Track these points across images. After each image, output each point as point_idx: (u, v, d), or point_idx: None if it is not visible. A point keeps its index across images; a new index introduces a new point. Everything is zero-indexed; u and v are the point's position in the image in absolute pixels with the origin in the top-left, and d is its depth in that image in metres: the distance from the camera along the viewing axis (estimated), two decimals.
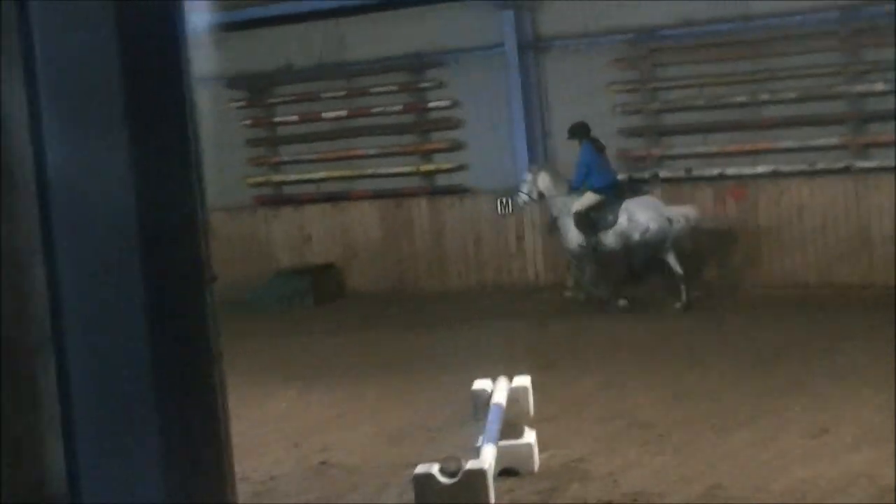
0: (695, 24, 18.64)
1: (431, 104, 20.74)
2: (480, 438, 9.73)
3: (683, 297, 17.28)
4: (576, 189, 18.00)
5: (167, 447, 2.83)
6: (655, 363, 13.74)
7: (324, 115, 21.45)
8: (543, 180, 18.27)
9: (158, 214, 2.95)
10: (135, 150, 2.95)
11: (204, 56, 19.62)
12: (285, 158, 22.11)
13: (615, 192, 17.92)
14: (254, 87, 21.99)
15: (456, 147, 20.48)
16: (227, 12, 19.62)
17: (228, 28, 20.85)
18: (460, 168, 20.46)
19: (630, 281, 18.26)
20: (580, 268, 18.30)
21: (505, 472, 9.97)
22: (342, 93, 21.26)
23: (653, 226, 17.62)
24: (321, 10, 20.50)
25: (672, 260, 17.54)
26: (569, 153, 19.05)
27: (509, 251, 19.78)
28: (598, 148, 18.07)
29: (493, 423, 9.98)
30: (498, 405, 10.37)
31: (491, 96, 20.07)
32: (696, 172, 18.75)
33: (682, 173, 18.86)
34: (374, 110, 21.09)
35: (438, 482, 8.83)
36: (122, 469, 2.81)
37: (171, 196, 3.02)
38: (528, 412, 10.71)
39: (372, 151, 21.11)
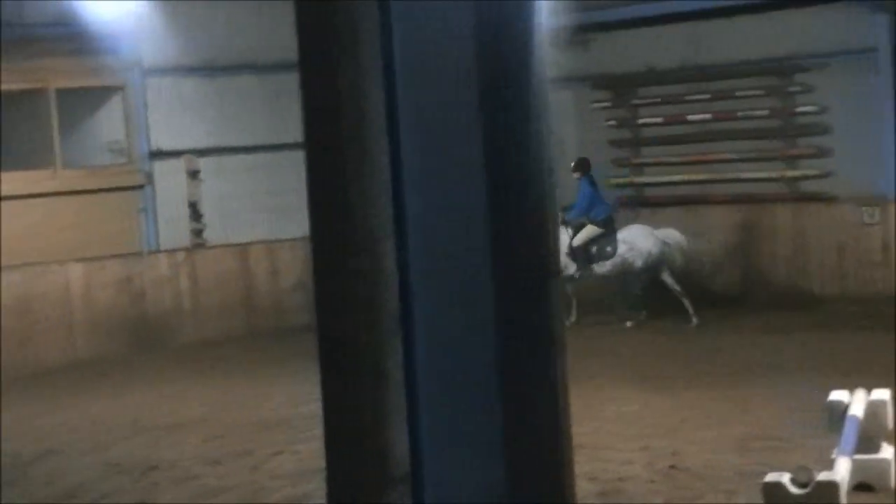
0: None
1: (798, 109, 20.33)
2: (835, 451, 9.50)
3: (691, 310, 18.54)
4: (573, 218, 19.31)
5: (508, 434, 2.88)
6: None
7: (688, 117, 21.31)
8: None
9: (508, 207, 3.00)
10: (487, 145, 3.00)
11: (569, 57, 19.74)
12: (647, 160, 22.07)
13: (611, 225, 19.32)
14: (618, 89, 22.03)
15: (821, 154, 20.02)
16: (591, 12, 19.72)
17: (593, 29, 20.95)
18: (825, 175, 19.99)
19: (630, 302, 19.37)
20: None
21: (860, 487, 9.69)
22: (706, 95, 21.07)
23: (654, 251, 19.10)
24: (684, 13, 20.36)
25: (669, 279, 18.96)
26: None
27: (873, 260, 19.21)
28: (594, 183, 19.50)
29: (849, 435, 9.74)
30: (855, 417, 10.11)
31: (860, 102, 19.52)
32: None
33: None
34: (739, 114, 20.82)
35: (789, 492, 8.67)
36: (463, 453, 2.87)
37: (520, 190, 3.06)
38: (887, 427, 10.40)
39: (734, 155, 20.84)
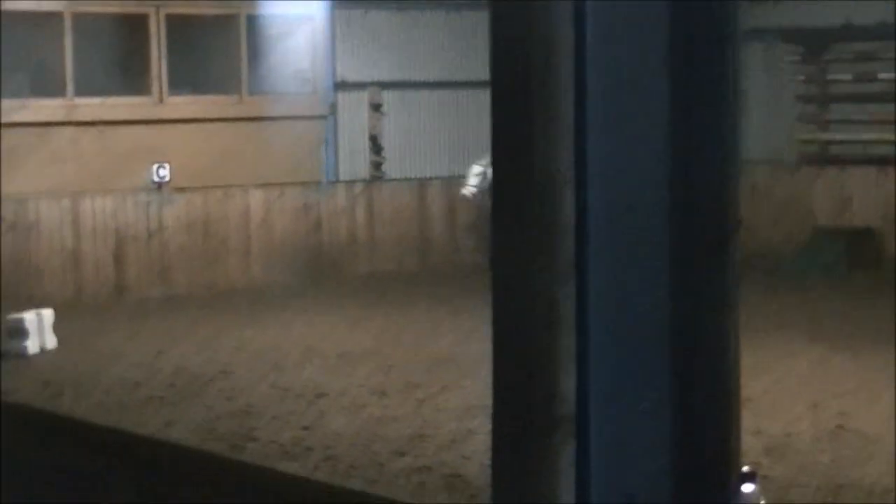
0: None
1: None
2: None
3: None
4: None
5: (676, 385, 2.88)
6: None
7: (880, 76, 20.81)
8: None
9: (691, 158, 2.99)
10: (673, 95, 2.99)
11: (761, 9, 19.45)
12: (835, 117, 21.64)
13: None
14: (810, 43, 21.60)
15: None
16: None
17: None
18: None
19: None
20: None
21: None
22: None
23: None
24: None
25: None
26: None
27: None
28: None
29: None
30: None
31: None
32: None
33: None
34: None
35: None
36: (630, 399, 2.88)
37: (704, 142, 3.04)
38: None
39: None
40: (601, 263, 2.88)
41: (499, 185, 3.05)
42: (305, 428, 11.10)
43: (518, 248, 2.97)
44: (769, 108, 21.18)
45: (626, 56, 2.96)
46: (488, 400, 3.37)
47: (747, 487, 3.04)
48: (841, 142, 21.49)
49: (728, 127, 3.10)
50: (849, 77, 21.23)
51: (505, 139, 3.09)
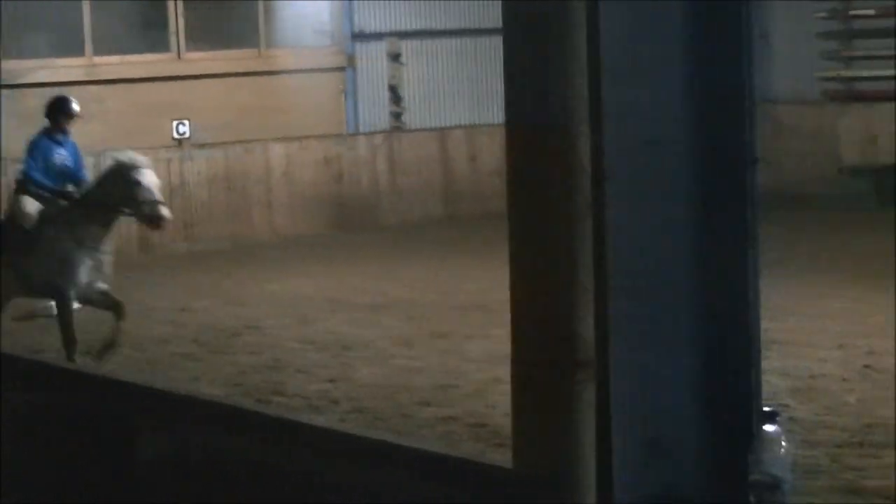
0: None
1: None
2: None
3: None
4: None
5: (697, 324, 2.85)
6: None
7: None
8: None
9: (707, 91, 2.95)
10: (689, 31, 2.95)
11: None
12: (858, 53, 21.47)
13: None
14: None
15: None
16: None
17: None
18: None
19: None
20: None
21: None
22: None
23: None
24: None
25: None
26: None
27: None
28: None
29: None
30: None
31: None
32: None
33: None
34: None
35: None
36: (650, 338, 2.85)
37: (720, 76, 3.00)
38: None
39: None
40: (619, 202, 2.84)
41: (513, 127, 3.01)
42: (331, 380, 11.10)
43: (534, 189, 2.94)
44: (791, 45, 21.01)
45: None
46: None
47: (769, 427, 3.01)
48: (864, 78, 21.32)
49: (744, 63, 3.06)
50: (871, 12, 21.05)
51: (518, 81, 3.05)
